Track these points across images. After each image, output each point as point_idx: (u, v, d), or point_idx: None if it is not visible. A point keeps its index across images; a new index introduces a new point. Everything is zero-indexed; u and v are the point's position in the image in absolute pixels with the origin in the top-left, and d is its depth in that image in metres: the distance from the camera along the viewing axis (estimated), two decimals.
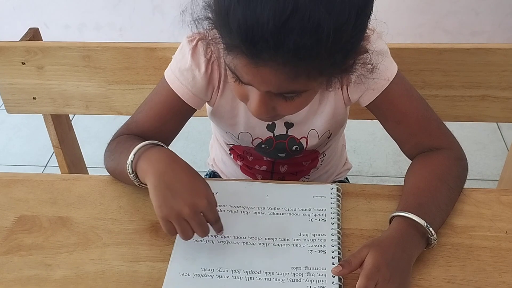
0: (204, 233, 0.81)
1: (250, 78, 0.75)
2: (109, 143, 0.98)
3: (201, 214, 0.80)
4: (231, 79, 0.81)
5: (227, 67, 0.80)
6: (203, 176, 1.26)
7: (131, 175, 0.86)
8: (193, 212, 0.79)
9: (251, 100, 0.81)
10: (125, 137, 0.96)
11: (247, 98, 0.82)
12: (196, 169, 0.85)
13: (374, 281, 0.73)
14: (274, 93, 0.78)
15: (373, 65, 0.82)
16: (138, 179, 0.86)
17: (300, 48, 0.67)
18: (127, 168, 0.86)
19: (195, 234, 0.81)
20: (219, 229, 0.83)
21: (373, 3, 0.73)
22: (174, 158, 0.85)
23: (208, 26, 0.78)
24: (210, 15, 0.76)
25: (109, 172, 0.98)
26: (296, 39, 0.66)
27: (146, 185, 0.84)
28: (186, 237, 0.81)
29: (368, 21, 0.74)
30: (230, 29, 0.69)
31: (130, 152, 0.86)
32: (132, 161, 0.85)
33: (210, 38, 0.82)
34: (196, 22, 0.78)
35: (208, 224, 0.82)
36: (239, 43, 0.69)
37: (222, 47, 0.75)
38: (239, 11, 0.67)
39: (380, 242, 0.78)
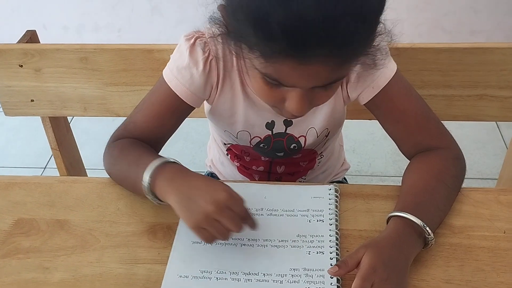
0: (238, 226, 0.79)
1: (297, 79, 0.74)
2: (110, 146, 0.97)
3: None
4: (265, 87, 0.79)
5: (260, 77, 0.77)
6: None
7: (149, 196, 0.86)
8: (218, 208, 0.78)
9: (290, 101, 0.79)
10: (126, 143, 0.96)
11: (283, 100, 0.80)
12: (194, 170, 0.85)
13: (369, 281, 0.73)
14: (318, 86, 0.77)
15: (391, 35, 0.82)
16: (156, 198, 0.86)
17: (350, 35, 0.68)
18: (145, 190, 0.85)
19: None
20: (252, 224, 0.81)
21: None
22: (186, 171, 0.85)
23: (226, 43, 0.77)
24: (226, 30, 0.74)
25: (112, 178, 0.97)
26: (345, 26, 0.66)
27: (164, 202, 0.85)
28: (224, 236, 0.80)
29: None
30: (273, 36, 0.67)
31: (141, 169, 0.85)
32: (149, 183, 0.84)
33: (234, 54, 0.80)
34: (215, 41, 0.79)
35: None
36: (285, 48, 0.68)
37: (258, 61, 0.73)
38: (280, 15, 0.65)
39: (377, 243, 0.78)
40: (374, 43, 0.77)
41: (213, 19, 0.79)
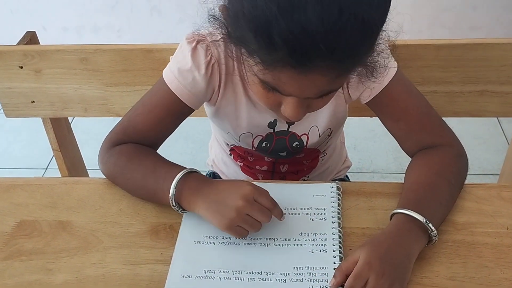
0: (267, 216, 0.83)
1: (294, 88, 0.74)
2: (111, 153, 0.96)
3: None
4: (262, 92, 0.79)
5: (259, 82, 0.77)
6: None
7: (175, 207, 0.88)
8: (248, 202, 0.82)
9: (287, 106, 0.79)
10: (132, 150, 0.95)
11: (280, 105, 0.81)
12: None
13: (362, 278, 0.74)
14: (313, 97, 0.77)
15: (394, 42, 0.83)
16: (181, 208, 0.88)
17: (351, 47, 0.67)
18: (171, 201, 0.87)
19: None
20: (279, 214, 0.85)
21: None
22: (209, 180, 0.89)
23: (236, 50, 0.77)
24: (228, 34, 0.74)
25: (119, 185, 0.96)
26: (346, 40, 0.66)
27: (186, 211, 0.88)
28: (257, 228, 0.83)
29: None
30: (273, 45, 0.66)
31: (161, 179, 0.88)
32: (174, 194, 0.87)
33: (234, 56, 0.80)
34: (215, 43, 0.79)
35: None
36: (285, 57, 0.67)
37: (258, 67, 0.73)
38: (282, 25, 0.64)
39: (376, 238, 0.79)
40: (374, 53, 0.76)
41: (214, 18, 0.78)
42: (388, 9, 0.71)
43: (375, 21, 0.68)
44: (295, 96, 0.76)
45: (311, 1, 0.63)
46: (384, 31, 0.78)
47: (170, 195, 0.86)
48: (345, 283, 0.76)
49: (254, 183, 0.87)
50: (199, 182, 0.88)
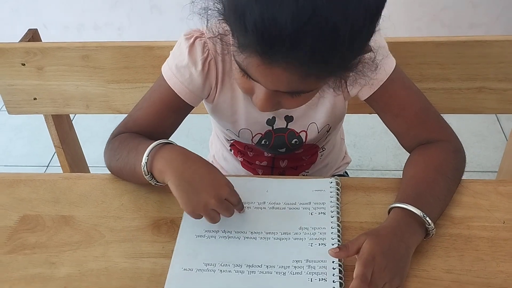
0: (231, 214, 0.86)
1: (260, 77, 0.75)
2: (109, 142, 0.98)
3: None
4: (238, 73, 0.81)
5: (235, 62, 0.79)
6: None
7: (147, 176, 0.87)
8: (219, 201, 0.83)
9: (256, 95, 0.81)
10: (126, 135, 0.97)
11: (252, 92, 0.82)
12: None
13: (370, 268, 0.74)
14: (281, 92, 0.78)
15: (377, 63, 0.82)
16: (154, 179, 0.88)
17: (316, 51, 0.68)
18: (143, 169, 0.87)
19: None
20: (241, 209, 0.88)
21: (384, 6, 0.71)
22: (188, 154, 0.88)
23: (218, 20, 0.77)
24: (222, 9, 0.75)
25: (112, 172, 0.98)
26: (313, 42, 0.66)
27: (162, 184, 0.87)
28: (215, 221, 0.85)
29: (378, 23, 0.73)
30: (246, 28, 0.68)
31: (140, 152, 0.87)
32: (146, 162, 0.87)
33: (217, 33, 0.81)
34: (206, 15, 0.77)
35: None
36: (254, 43, 0.69)
37: (234, 45, 0.75)
38: (256, 11, 0.66)
39: (377, 232, 0.80)
40: (351, 65, 0.75)
41: None
42: (367, 27, 0.70)
43: (347, 32, 0.67)
44: (262, 85, 0.77)
45: None
46: (372, 51, 0.78)
47: (142, 163, 0.86)
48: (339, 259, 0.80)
49: (253, 178, 0.88)
50: (173, 153, 0.87)
